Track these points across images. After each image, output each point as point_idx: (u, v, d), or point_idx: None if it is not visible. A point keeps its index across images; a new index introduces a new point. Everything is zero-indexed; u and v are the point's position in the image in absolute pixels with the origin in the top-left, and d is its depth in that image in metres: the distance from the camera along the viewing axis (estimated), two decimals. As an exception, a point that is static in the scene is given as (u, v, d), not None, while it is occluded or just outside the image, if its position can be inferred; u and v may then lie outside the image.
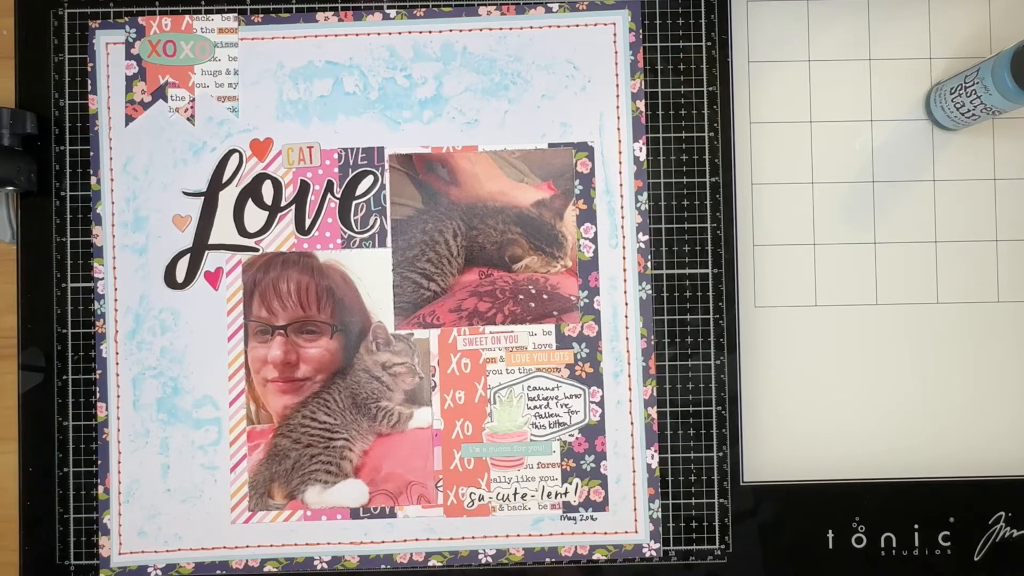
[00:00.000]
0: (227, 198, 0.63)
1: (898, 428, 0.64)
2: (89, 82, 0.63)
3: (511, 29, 0.63)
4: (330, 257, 0.63)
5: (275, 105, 0.63)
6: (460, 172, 0.63)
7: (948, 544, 0.63)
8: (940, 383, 0.64)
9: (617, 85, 0.63)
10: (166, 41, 0.63)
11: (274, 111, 0.63)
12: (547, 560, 0.62)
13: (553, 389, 0.62)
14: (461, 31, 0.63)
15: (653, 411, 0.62)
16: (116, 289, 0.62)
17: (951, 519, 0.63)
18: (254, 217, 0.63)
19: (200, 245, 0.63)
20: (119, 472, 0.62)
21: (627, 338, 0.62)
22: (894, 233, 0.64)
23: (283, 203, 0.63)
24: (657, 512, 0.62)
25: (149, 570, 0.62)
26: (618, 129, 0.63)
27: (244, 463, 0.62)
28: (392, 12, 0.63)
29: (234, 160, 0.63)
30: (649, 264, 0.63)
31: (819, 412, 0.64)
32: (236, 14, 0.63)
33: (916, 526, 0.63)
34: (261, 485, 0.62)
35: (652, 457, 0.62)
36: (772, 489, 0.63)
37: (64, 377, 0.62)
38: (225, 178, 0.63)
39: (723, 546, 0.63)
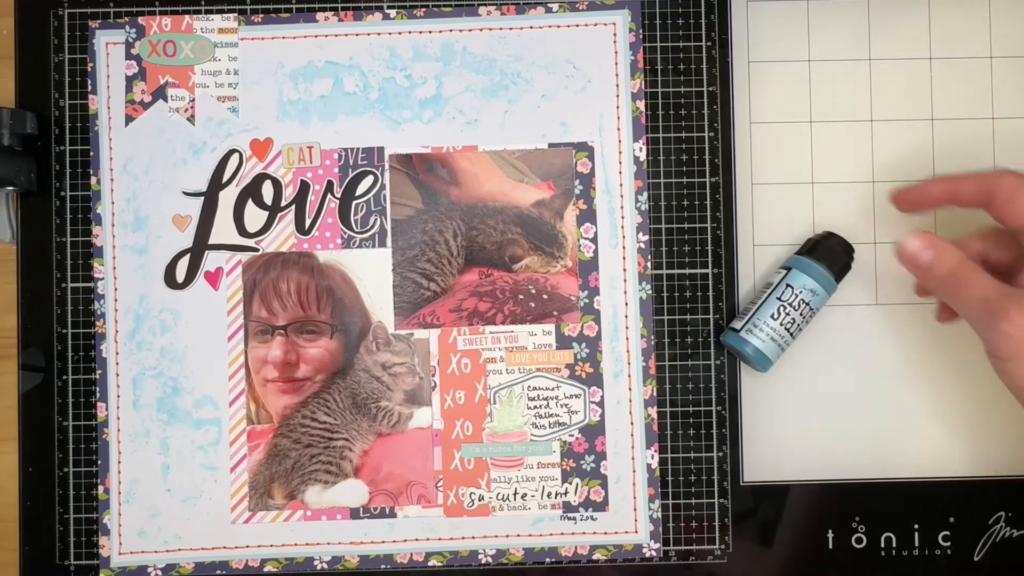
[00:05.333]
0: (227, 198, 0.63)
1: (898, 428, 0.64)
2: (89, 82, 0.63)
3: (511, 29, 0.63)
4: (330, 257, 0.63)
5: (275, 105, 0.63)
6: (460, 172, 0.63)
7: (948, 544, 0.63)
8: (940, 383, 0.64)
9: (617, 85, 0.63)
10: (166, 41, 0.63)
11: (274, 111, 0.63)
12: (547, 560, 0.62)
13: (553, 389, 0.62)
14: (461, 31, 0.63)
15: (653, 411, 0.62)
16: (116, 289, 0.62)
17: (951, 519, 0.63)
18: (254, 217, 0.63)
19: (200, 245, 0.63)
20: (119, 472, 0.62)
21: (627, 338, 0.62)
22: (894, 233, 0.64)
23: (283, 203, 0.63)
24: (657, 512, 0.62)
25: (149, 570, 0.62)
26: (618, 129, 0.63)
27: (244, 463, 0.62)
28: (392, 12, 0.63)
29: (234, 160, 0.63)
30: (649, 264, 0.63)
31: (819, 412, 0.64)
32: (236, 14, 0.63)
33: (916, 526, 0.63)
34: (261, 485, 0.62)
35: (652, 457, 0.62)
36: (772, 489, 0.63)
37: (64, 377, 0.62)
38: (225, 178, 0.63)
39: (723, 546, 0.63)
